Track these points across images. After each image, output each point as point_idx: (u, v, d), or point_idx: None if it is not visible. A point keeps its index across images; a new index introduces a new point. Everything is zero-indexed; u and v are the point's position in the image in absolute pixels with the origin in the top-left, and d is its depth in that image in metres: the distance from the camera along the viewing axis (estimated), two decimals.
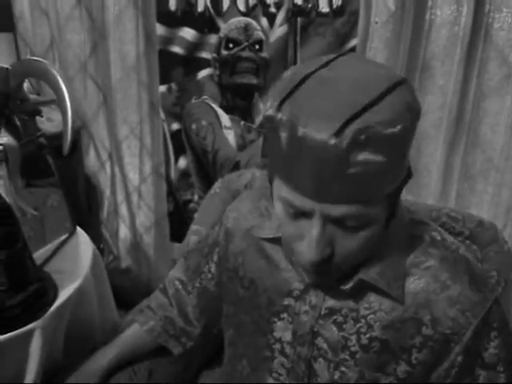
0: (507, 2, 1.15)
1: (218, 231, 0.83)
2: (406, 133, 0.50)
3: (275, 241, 0.70)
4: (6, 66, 0.60)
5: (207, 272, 0.84)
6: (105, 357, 0.86)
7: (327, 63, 0.53)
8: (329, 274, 0.60)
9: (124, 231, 1.88)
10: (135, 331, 0.89)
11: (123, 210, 1.85)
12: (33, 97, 1.47)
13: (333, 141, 0.46)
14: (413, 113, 0.51)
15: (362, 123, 0.47)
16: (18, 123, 0.86)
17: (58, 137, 1.24)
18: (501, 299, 0.83)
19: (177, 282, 0.89)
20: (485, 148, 1.27)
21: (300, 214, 0.54)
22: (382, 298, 0.62)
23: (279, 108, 0.50)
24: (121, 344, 0.88)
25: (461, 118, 1.27)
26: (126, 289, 1.77)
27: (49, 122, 1.30)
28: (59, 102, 0.57)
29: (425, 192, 1.35)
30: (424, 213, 0.87)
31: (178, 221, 1.76)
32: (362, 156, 0.47)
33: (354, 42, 1.31)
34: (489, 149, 1.27)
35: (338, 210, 0.51)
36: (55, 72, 0.57)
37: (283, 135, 0.50)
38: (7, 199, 0.73)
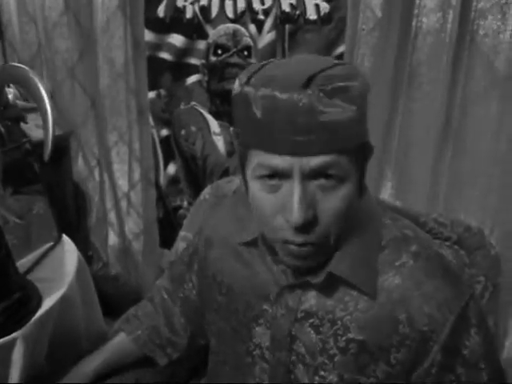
0: (492, 10, 1.16)
1: (197, 240, 0.83)
2: (365, 89, 0.55)
3: (252, 244, 0.71)
4: None
5: (188, 282, 0.84)
6: (90, 365, 0.85)
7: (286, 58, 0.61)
8: (313, 250, 0.58)
9: (113, 238, 1.87)
10: (121, 340, 0.88)
11: (112, 216, 1.84)
12: (21, 103, 1.46)
13: (302, 94, 0.51)
14: (364, 78, 0.56)
15: (324, 77, 0.52)
16: (1, 129, 0.86)
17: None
18: (488, 303, 0.84)
19: (163, 292, 0.88)
20: (472, 153, 1.28)
21: (278, 182, 0.55)
22: (358, 298, 0.62)
23: (247, 82, 0.54)
24: (107, 352, 0.87)
25: (448, 123, 1.28)
26: (115, 296, 1.76)
27: (37, 128, 1.29)
28: (40, 109, 0.57)
29: (412, 197, 1.36)
30: (411, 218, 0.87)
31: (168, 227, 1.75)
32: (332, 104, 0.51)
33: (341, 49, 1.31)
34: (476, 154, 1.27)
35: (316, 161, 0.53)
36: (36, 78, 0.57)
37: (254, 103, 0.53)
38: None
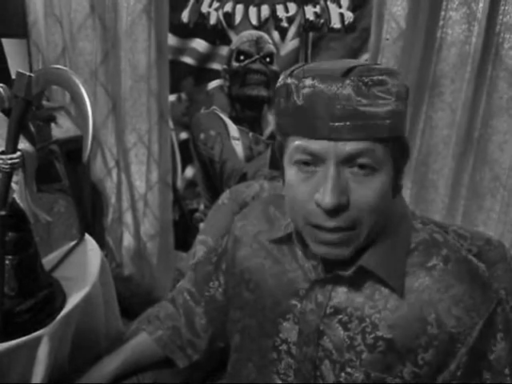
0: None
1: (226, 240, 0.84)
2: (403, 85, 0.57)
3: (283, 241, 0.73)
4: (28, 73, 0.61)
5: (215, 280, 0.85)
6: (110, 365, 0.85)
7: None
8: (343, 237, 0.59)
9: (128, 239, 1.88)
10: (143, 340, 0.89)
11: (128, 217, 1.85)
12: (43, 103, 1.48)
13: (341, 83, 0.54)
14: (403, 78, 0.58)
15: (363, 69, 0.55)
16: (32, 129, 0.87)
17: (67, 142, 1.25)
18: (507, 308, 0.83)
19: (185, 293, 0.89)
20: (492, 166, 1.28)
21: (313, 169, 0.58)
22: (388, 297, 0.63)
23: (290, 74, 0.58)
24: (127, 352, 0.88)
25: (469, 135, 1.28)
26: (128, 297, 1.77)
27: (57, 127, 1.31)
28: (81, 111, 0.58)
29: (432, 208, 1.36)
30: None
31: (183, 229, 1.76)
32: (370, 94, 0.54)
33: (364, 58, 1.32)
34: (496, 167, 1.27)
35: (351, 146, 0.55)
36: (77, 81, 0.58)
37: (296, 92, 0.56)
38: (22, 205, 0.74)
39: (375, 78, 0.55)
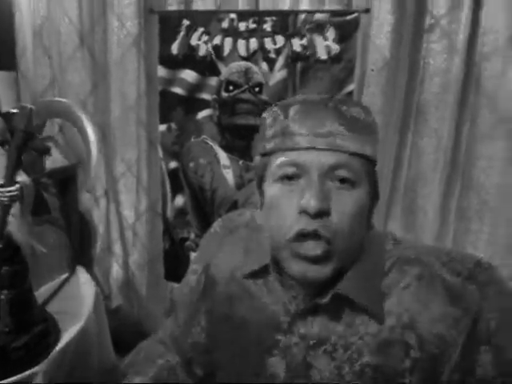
0: (497, 52, 1.22)
1: (203, 281, 0.81)
2: (373, 119, 0.65)
3: (259, 275, 0.72)
4: (29, 105, 0.61)
5: (197, 326, 0.83)
6: None
7: None
8: (323, 252, 0.60)
9: (116, 269, 1.85)
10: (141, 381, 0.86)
11: (116, 247, 1.83)
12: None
13: (323, 105, 0.62)
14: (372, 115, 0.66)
15: (342, 98, 0.64)
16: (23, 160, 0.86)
17: (55, 173, 1.24)
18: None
19: (172, 333, 0.87)
20: (478, 190, 1.31)
21: (297, 182, 0.61)
22: (367, 322, 0.63)
23: (276, 105, 0.65)
24: None
25: (455, 160, 1.32)
26: (116, 328, 1.72)
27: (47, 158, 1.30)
28: (84, 142, 0.58)
29: (421, 232, 1.38)
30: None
31: (174, 259, 1.74)
32: (348, 114, 0.61)
33: (351, 87, 1.36)
34: (482, 190, 1.31)
35: (332, 158, 0.60)
36: (79, 113, 0.58)
37: (283, 112, 0.63)
38: (18, 237, 0.73)
39: (352, 106, 0.62)
